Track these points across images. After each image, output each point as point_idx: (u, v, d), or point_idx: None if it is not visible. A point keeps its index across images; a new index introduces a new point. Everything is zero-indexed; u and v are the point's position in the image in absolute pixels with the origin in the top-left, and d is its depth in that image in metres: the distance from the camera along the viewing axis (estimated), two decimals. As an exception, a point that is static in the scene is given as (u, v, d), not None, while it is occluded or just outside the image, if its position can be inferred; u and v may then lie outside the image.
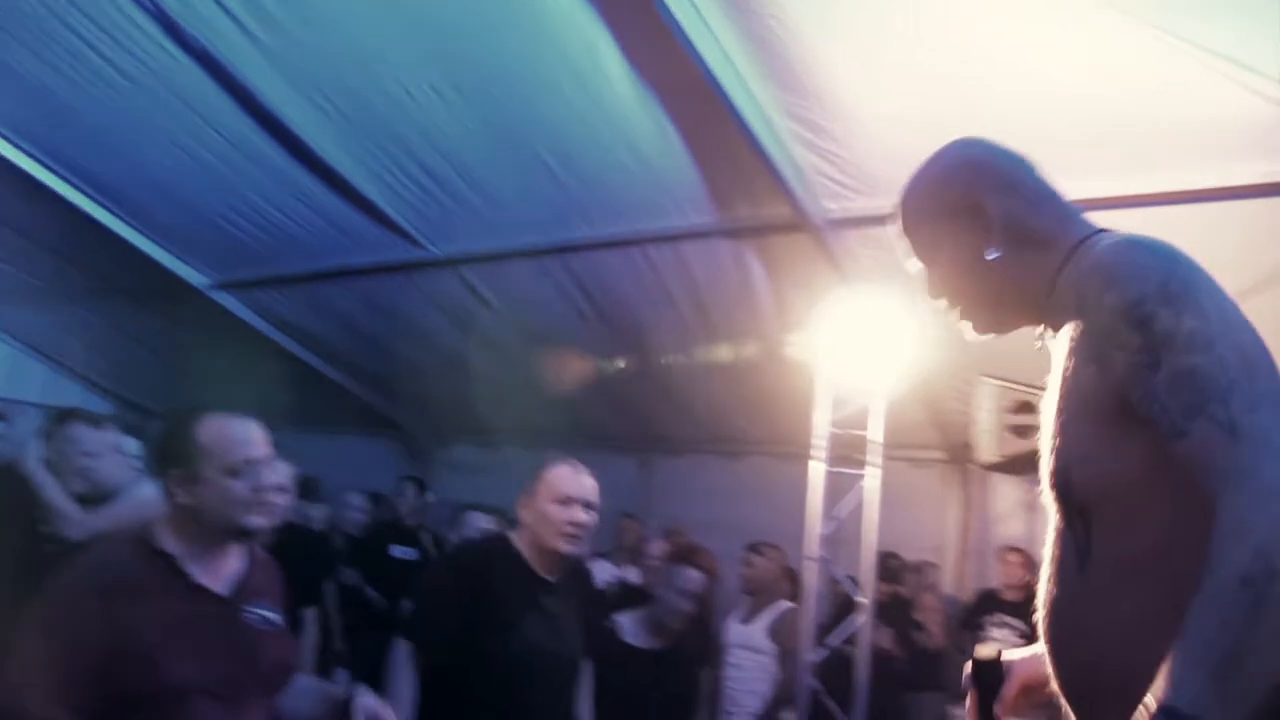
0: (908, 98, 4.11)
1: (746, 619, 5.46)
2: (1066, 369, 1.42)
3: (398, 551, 6.37)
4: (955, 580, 6.00)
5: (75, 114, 5.05)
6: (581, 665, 3.34)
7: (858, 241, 4.91)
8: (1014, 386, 4.98)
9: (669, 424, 6.53)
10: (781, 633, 5.26)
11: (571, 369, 6.46)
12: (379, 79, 4.54)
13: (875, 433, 4.93)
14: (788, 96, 4.24)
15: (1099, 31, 3.57)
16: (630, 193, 5.05)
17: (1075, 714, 1.42)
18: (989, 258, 1.53)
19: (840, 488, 4.96)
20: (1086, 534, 1.39)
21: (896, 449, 5.12)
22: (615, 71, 4.22)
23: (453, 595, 3.00)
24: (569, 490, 3.06)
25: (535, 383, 6.68)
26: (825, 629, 5.00)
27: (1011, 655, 1.68)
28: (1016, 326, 1.59)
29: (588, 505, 3.07)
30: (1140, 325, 1.29)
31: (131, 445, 4.19)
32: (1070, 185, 4.33)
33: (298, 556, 4.63)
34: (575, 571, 3.28)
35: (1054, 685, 1.46)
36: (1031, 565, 5.61)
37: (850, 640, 4.93)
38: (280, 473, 4.06)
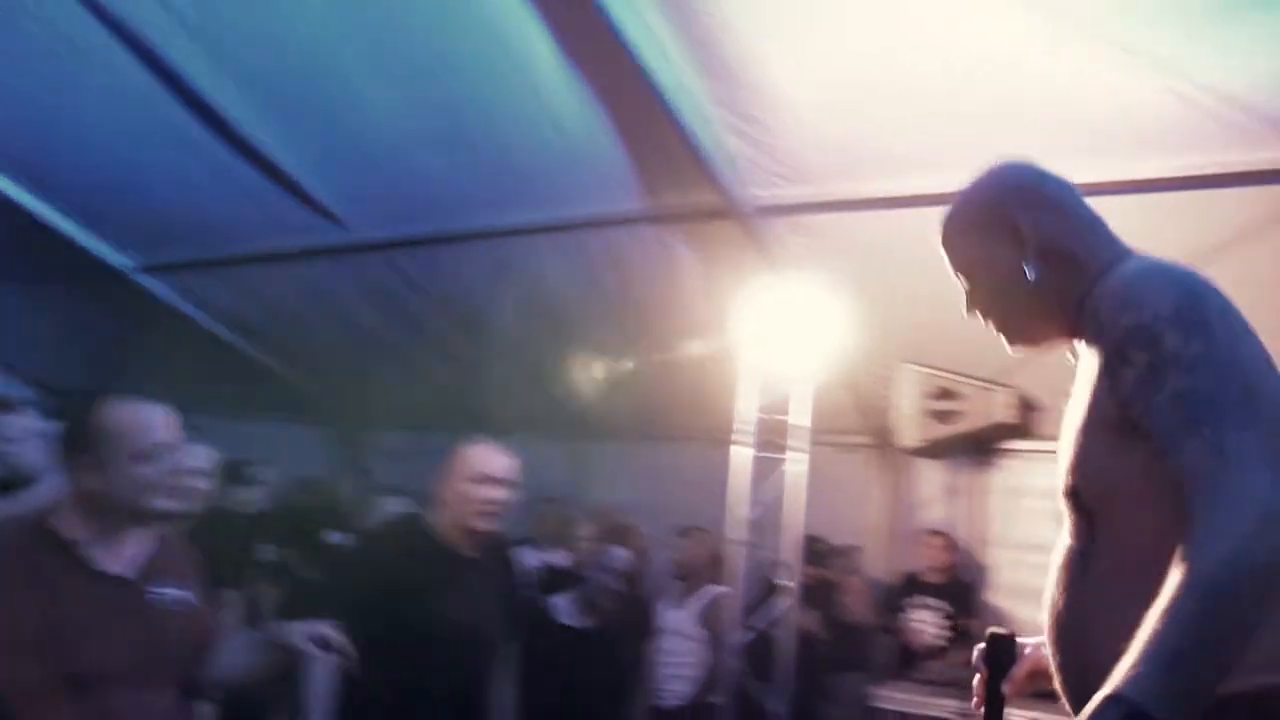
0: (837, 87, 4.17)
1: (676, 603, 5.52)
2: (1085, 384, 1.49)
3: (334, 537, 6.32)
4: (880, 563, 6.09)
5: (-6, 93, 4.93)
6: (502, 644, 3.36)
7: (786, 229, 4.96)
8: (935, 373, 5.08)
9: (598, 409, 6.55)
10: (711, 617, 5.32)
11: (501, 353, 6.45)
12: (310, 62, 4.50)
13: (800, 418, 5.00)
14: (718, 84, 4.26)
15: (1022, 24, 3.65)
16: (560, 178, 5.05)
17: (1075, 712, 1.45)
18: (1025, 275, 1.59)
19: (767, 473, 5.02)
20: (1091, 539, 1.47)
21: (822, 434, 5.19)
22: (546, 57, 4.22)
23: (368, 576, 3.01)
24: (485, 468, 3.08)
25: (465, 368, 6.66)
26: (751, 612, 5.07)
27: (1025, 639, 1.72)
28: (1050, 343, 1.65)
29: (505, 483, 3.10)
30: (1149, 345, 1.36)
31: (53, 430, 4.13)
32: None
33: (221, 539, 4.61)
34: (497, 550, 3.31)
35: (1056, 683, 1.53)
36: (953, 548, 5.73)
37: (775, 623, 5.01)
38: (199, 457, 4.05)
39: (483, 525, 3.07)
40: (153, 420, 2.19)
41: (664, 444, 6.62)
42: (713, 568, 5.48)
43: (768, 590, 5.15)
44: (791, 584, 5.00)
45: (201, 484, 4.04)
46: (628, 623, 4.97)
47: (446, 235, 5.71)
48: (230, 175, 5.36)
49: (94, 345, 7.94)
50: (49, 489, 3.51)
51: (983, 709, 1.67)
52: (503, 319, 6.19)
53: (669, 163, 4.72)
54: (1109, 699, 1.18)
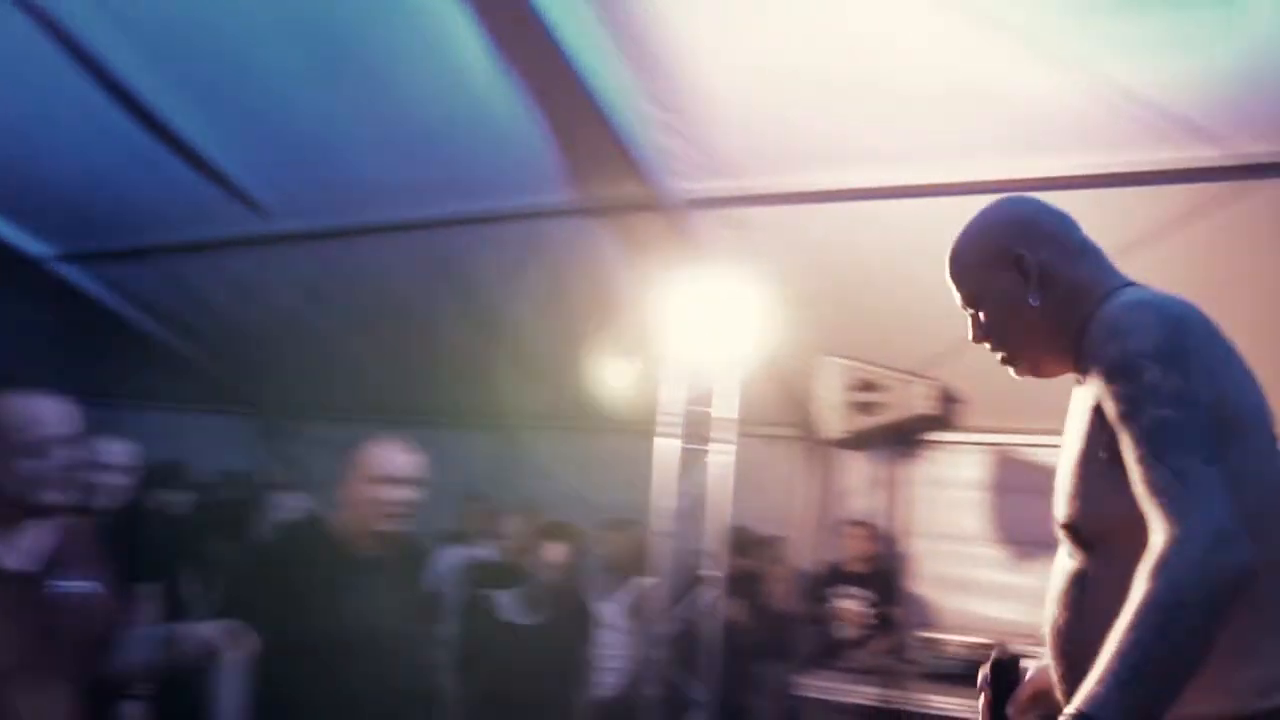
0: (765, 82, 4.22)
1: (605, 596, 5.53)
2: (1081, 413, 1.57)
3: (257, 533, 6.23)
4: (806, 553, 6.15)
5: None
6: (415, 644, 3.32)
7: (712, 222, 5.00)
8: (857, 365, 5.15)
9: (526, 400, 6.55)
10: (640, 609, 5.34)
11: (428, 345, 6.42)
12: (236, 51, 4.46)
13: (724, 409, 5.04)
14: (647, 77, 4.29)
15: (944, 22, 3.72)
16: (488, 170, 5.05)
17: None
18: (1029, 305, 1.66)
19: (693, 464, 5.05)
20: (1088, 563, 1.56)
21: (748, 426, 5.23)
22: (474, 48, 4.22)
23: (267, 582, 2.95)
24: (386, 468, 3.02)
25: (392, 359, 6.62)
26: (677, 603, 5.10)
27: (1028, 663, 1.80)
28: (1054, 371, 1.71)
29: (408, 482, 3.04)
30: (1131, 377, 1.45)
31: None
32: (907, 173, 4.50)
33: (143, 533, 4.54)
34: (403, 550, 3.24)
35: (1059, 695, 1.60)
36: (875, 538, 5.81)
37: (701, 614, 5.04)
38: (112, 451, 3.99)
39: (386, 526, 3.00)
40: (44, 414, 2.17)
41: (590, 436, 6.63)
42: (641, 560, 5.49)
43: (693, 581, 5.18)
44: (717, 574, 5.04)
45: (114, 478, 3.97)
46: (570, 618, 5.01)
47: (372, 226, 5.68)
48: (153, 164, 5.29)
49: (10, 335, 7.76)
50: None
51: None
52: (429, 310, 6.16)
53: (597, 155, 4.75)
54: (1073, 717, 1.28)
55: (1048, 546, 5.57)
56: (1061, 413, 5.20)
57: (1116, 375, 1.47)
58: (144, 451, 5.25)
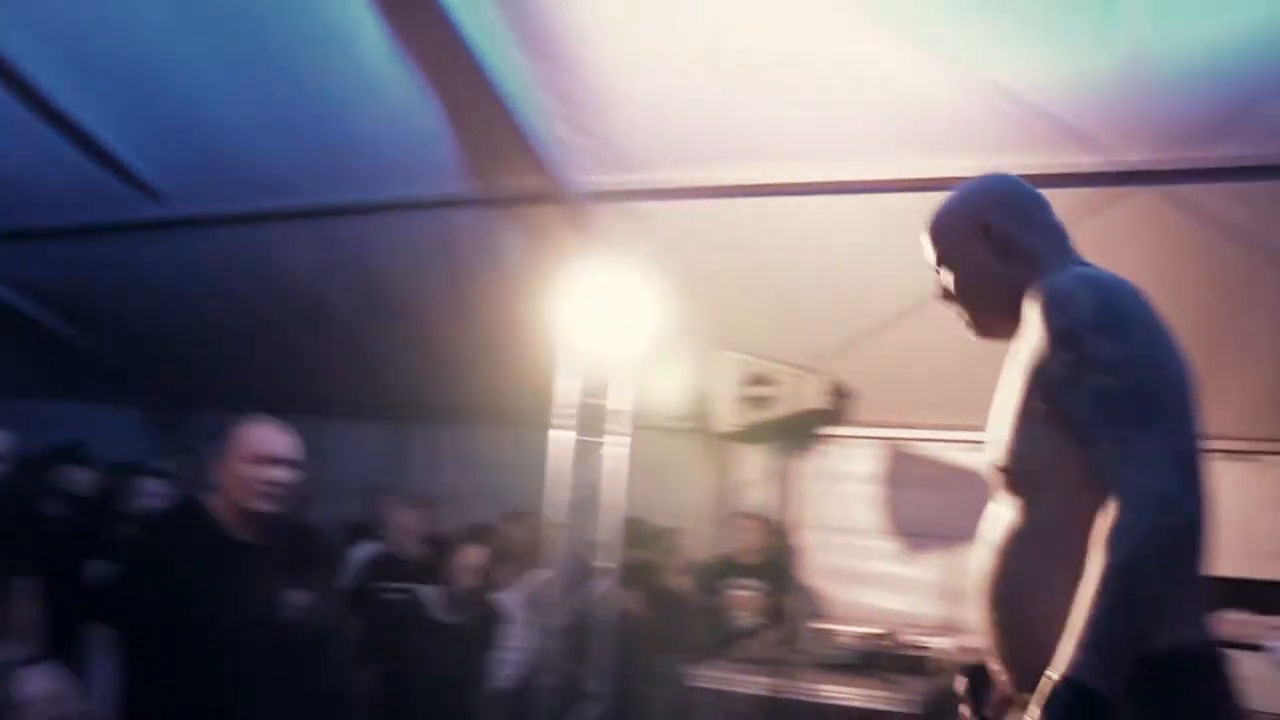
0: (665, 78, 4.25)
1: (503, 587, 5.53)
2: (1017, 371, 1.69)
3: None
4: (702, 545, 6.20)
5: None
6: (314, 633, 3.29)
7: (610, 215, 5.02)
8: (750, 359, 5.22)
9: (425, 392, 6.51)
10: (538, 600, 5.35)
11: (326, 335, 6.34)
12: (132, 35, 4.37)
13: (620, 402, 5.07)
14: (548, 69, 4.30)
15: (838, 25, 3.80)
16: (387, 158, 5.01)
17: (1006, 671, 1.67)
18: (992, 270, 1.82)
19: (588, 456, 5.07)
20: (1019, 510, 1.67)
21: (644, 418, 5.27)
22: (374, 35, 4.19)
23: (142, 570, 2.90)
24: (264, 448, 2.98)
25: (289, 349, 6.52)
26: (572, 594, 5.12)
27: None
28: (1005, 335, 1.80)
29: (286, 462, 3.01)
30: (1074, 346, 1.57)
31: None
32: (803, 170, 4.56)
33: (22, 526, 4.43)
34: (290, 532, 3.22)
35: (985, 638, 1.71)
36: (766, 530, 5.90)
37: (595, 605, 5.07)
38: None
39: (264, 507, 2.95)
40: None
41: (487, 427, 6.62)
42: (538, 552, 5.50)
43: (588, 573, 5.21)
44: (611, 566, 5.07)
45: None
46: (483, 618, 5.08)
47: (270, 212, 5.59)
48: (41, 145, 5.13)
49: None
50: None
51: None
52: (327, 299, 6.09)
53: (498, 146, 4.73)
54: (1060, 683, 1.40)
55: (938, 538, 5.74)
56: (949, 410, 5.37)
57: (1061, 344, 1.59)
58: (28, 441, 5.14)
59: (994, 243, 1.82)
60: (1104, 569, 1.43)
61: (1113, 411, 1.52)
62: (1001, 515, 1.71)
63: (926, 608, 5.78)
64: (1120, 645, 1.40)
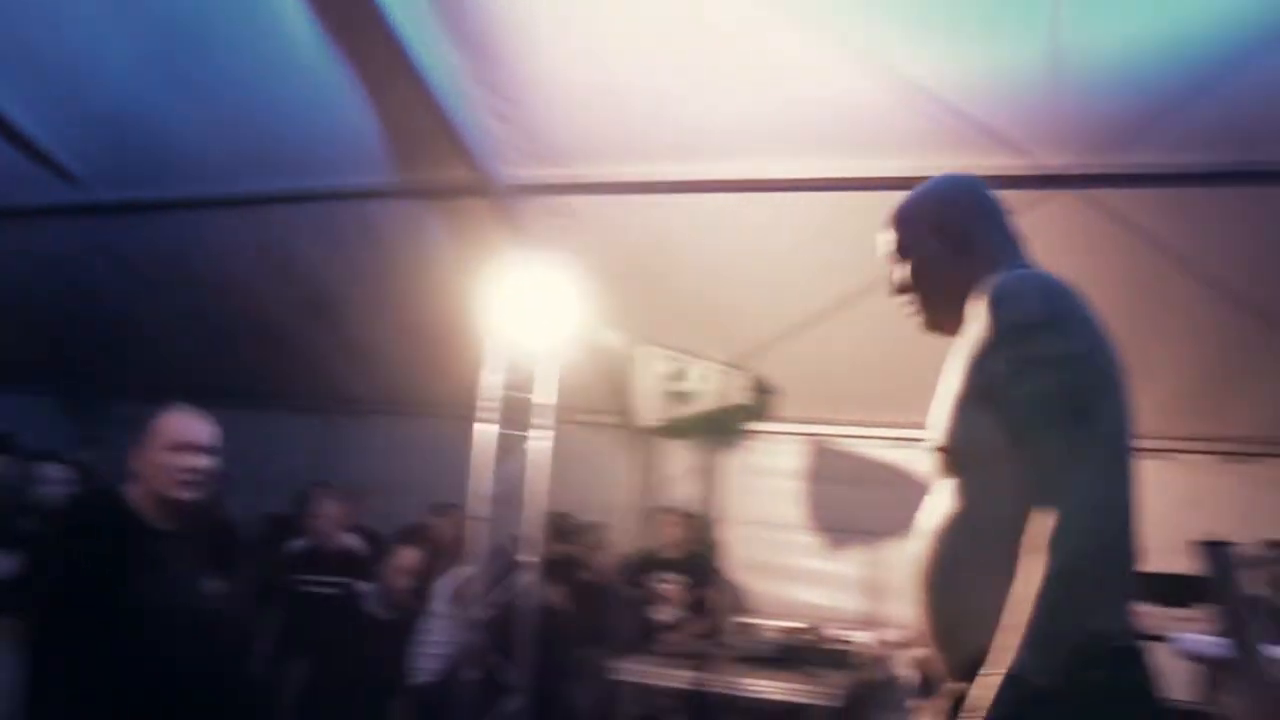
0: (593, 73, 4.26)
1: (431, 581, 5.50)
2: (960, 361, 1.73)
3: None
4: (627, 540, 6.22)
5: None
6: (236, 624, 3.25)
7: (536, 209, 5.03)
8: (674, 354, 5.26)
9: (350, 384, 6.46)
10: (461, 594, 5.33)
11: (248, 325, 6.25)
12: (51, 18, 4.29)
13: (544, 396, 5.08)
14: (476, 61, 4.30)
15: (766, 22, 3.84)
16: (312, 147, 4.96)
17: (942, 656, 1.71)
18: (945, 267, 1.88)
19: (512, 449, 5.07)
20: (958, 497, 1.71)
21: (568, 412, 5.28)
22: (299, 23, 4.15)
23: (55, 562, 2.84)
24: (182, 435, 2.94)
25: (212, 338, 6.42)
26: (494, 588, 5.11)
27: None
28: (951, 330, 1.84)
29: (205, 450, 2.98)
30: (1018, 342, 1.63)
31: None
32: (730, 168, 4.59)
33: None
34: (211, 521, 3.18)
35: (921, 621, 1.75)
36: (689, 525, 5.94)
37: (518, 599, 5.07)
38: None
39: (183, 495, 2.92)
40: None
41: (411, 419, 6.59)
42: (463, 545, 5.49)
43: (510, 566, 5.21)
44: (534, 560, 5.08)
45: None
46: (413, 616, 5.15)
47: (191, 200, 5.50)
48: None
49: None
50: None
51: None
52: (250, 288, 6.00)
53: (424, 138, 4.72)
54: (1007, 681, 1.46)
55: (860, 533, 5.81)
56: (872, 407, 5.45)
57: (1006, 340, 1.64)
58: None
59: (950, 239, 1.88)
60: (1047, 570, 1.48)
61: (1053, 410, 1.57)
62: (938, 505, 1.76)
63: (848, 602, 5.86)
64: (1062, 641, 1.46)
